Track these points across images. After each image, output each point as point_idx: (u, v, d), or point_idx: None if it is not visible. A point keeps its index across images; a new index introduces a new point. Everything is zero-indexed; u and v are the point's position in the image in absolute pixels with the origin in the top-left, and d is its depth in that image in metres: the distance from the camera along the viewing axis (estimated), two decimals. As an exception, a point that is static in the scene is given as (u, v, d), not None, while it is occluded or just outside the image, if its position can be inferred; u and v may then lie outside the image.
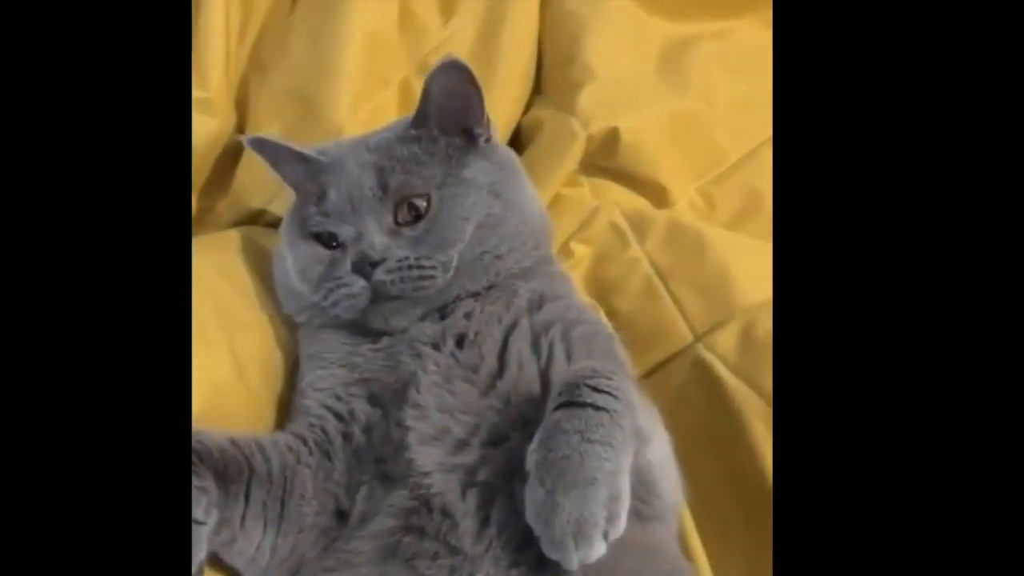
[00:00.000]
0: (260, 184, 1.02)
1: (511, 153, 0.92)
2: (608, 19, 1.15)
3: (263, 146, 0.88)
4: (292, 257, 0.84)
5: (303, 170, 0.85)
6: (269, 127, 1.03)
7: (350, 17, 1.06)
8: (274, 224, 0.99)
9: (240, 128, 1.08)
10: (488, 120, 0.86)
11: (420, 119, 0.83)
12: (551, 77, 1.17)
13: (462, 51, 1.10)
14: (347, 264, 0.79)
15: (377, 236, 0.79)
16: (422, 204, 0.80)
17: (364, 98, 1.05)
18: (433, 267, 0.78)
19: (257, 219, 1.03)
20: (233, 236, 0.97)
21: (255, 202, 1.02)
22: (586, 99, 1.09)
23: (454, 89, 0.82)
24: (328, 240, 0.82)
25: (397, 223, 0.80)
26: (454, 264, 0.79)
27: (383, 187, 0.80)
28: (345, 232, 0.81)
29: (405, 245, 0.79)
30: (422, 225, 0.80)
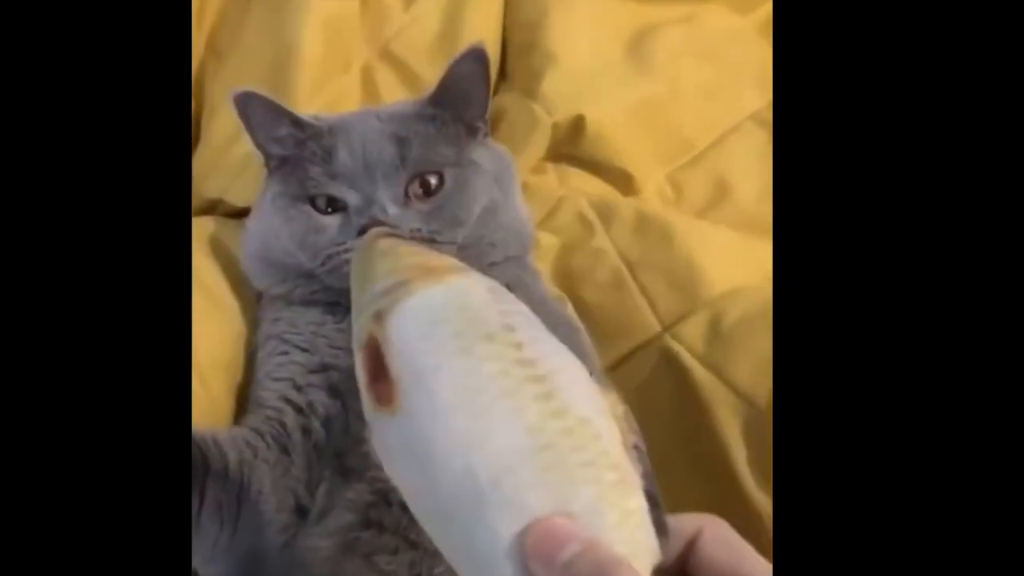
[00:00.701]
0: (215, 171, 0.99)
1: (505, 150, 0.92)
2: (571, 3, 1.14)
3: (251, 102, 0.83)
4: (287, 226, 0.81)
5: (295, 133, 0.83)
6: (225, 115, 1.00)
7: (309, 1, 1.03)
8: (231, 214, 0.97)
9: (196, 117, 1.05)
10: (488, 117, 0.86)
11: (439, 99, 0.83)
12: (515, 63, 1.15)
13: (425, 36, 1.09)
14: (353, 230, 0.77)
15: (391, 204, 0.78)
16: (434, 180, 0.80)
17: (323, 83, 1.03)
18: (443, 244, 0.77)
19: (214, 208, 1.00)
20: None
21: (210, 191, 1.00)
22: (550, 85, 1.08)
23: (473, 79, 0.82)
24: (324, 205, 0.80)
25: (408, 195, 0.79)
26: (457, 246, 0.78)
27: (402, 157, 0.79)
28: (351, 198, 0.79)
29: (417, 217, 0.78)
30: (435, 200, 0.79)
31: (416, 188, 0.79)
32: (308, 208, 0.81)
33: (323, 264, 0.78)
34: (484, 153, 0.85)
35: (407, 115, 0.83)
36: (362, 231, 0.76)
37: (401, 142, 0.80)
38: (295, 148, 0.83)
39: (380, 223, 0.76)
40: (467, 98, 0.83)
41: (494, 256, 0.82)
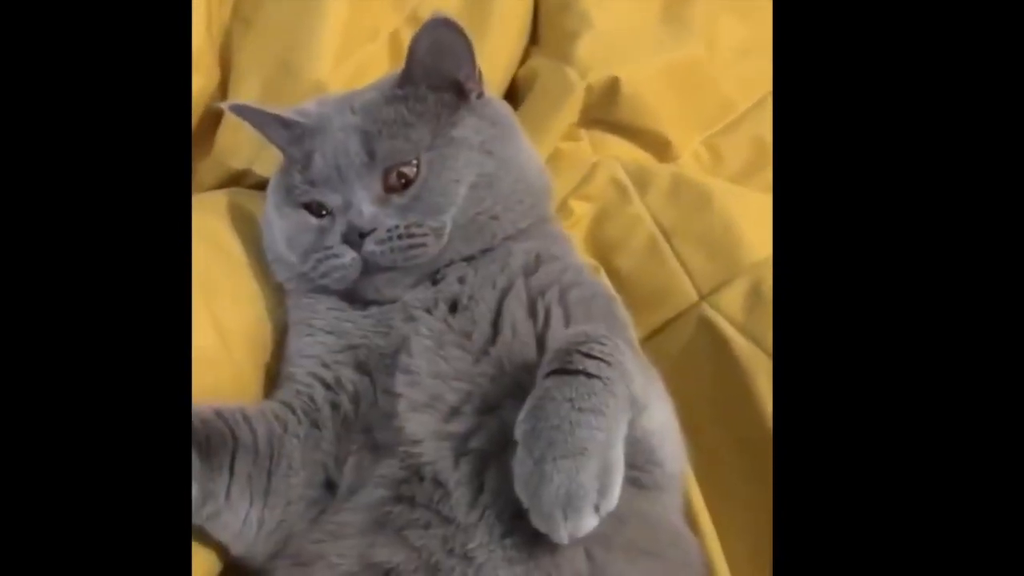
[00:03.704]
0: (242, 144, 0.98)
1: (505, 107, 0.88)
2: (606, -37, 1.10)
3: (245, 113, 0.84)
4: (280, 225, 0.81)
5: (287, 135, 0.82)
6: (250, 84, 0.99)
7: (335, -32, 1.01)
8: (258, 185, 0.96)
9: (223, 85, 1.04)
10: (480, 75, 0.82)
11: (406, 78, 0.80)
12: (547, 25, 1.12)
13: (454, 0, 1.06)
14: (336, 234, 0.76)
15: (366, 205, 0.76)
16: (411, 170, 0.77)
17: (349, 51, 1.01)
18: (425, 235, 0.75)
19: (240, 180, 0.99)
20: (215, 199, 0.93)
21: (237, 163, 0.99)
22: (584, 48, 1.05)
23: (442, 46, 0.78)
24: (317, 209, 0.79)
25: (386, 190, 0.77)
26: (447, 229, 0.76)
27: (370, 153, 0.77)
28: (333, 201, 0.78)
29: (395, 213, 0.76)
30: (412, 191, 0.76)
31: (394, 180, 0.77)
32: (298, 210, 0.80)
33: (313, 268, 0.77)
34: (471, 122, 0.80)
35: (376, 103, 0.80)
36: (344, 235, 0.75)
37: (368, 138, 0.77)
38: (288, 147, 0.82)
39: (358, 227, 0.74)
40: (441, 67, 0.79)
41: (502, 229, 0.79)
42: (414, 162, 0.77)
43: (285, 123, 0.82)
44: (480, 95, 0.82)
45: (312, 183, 0.79)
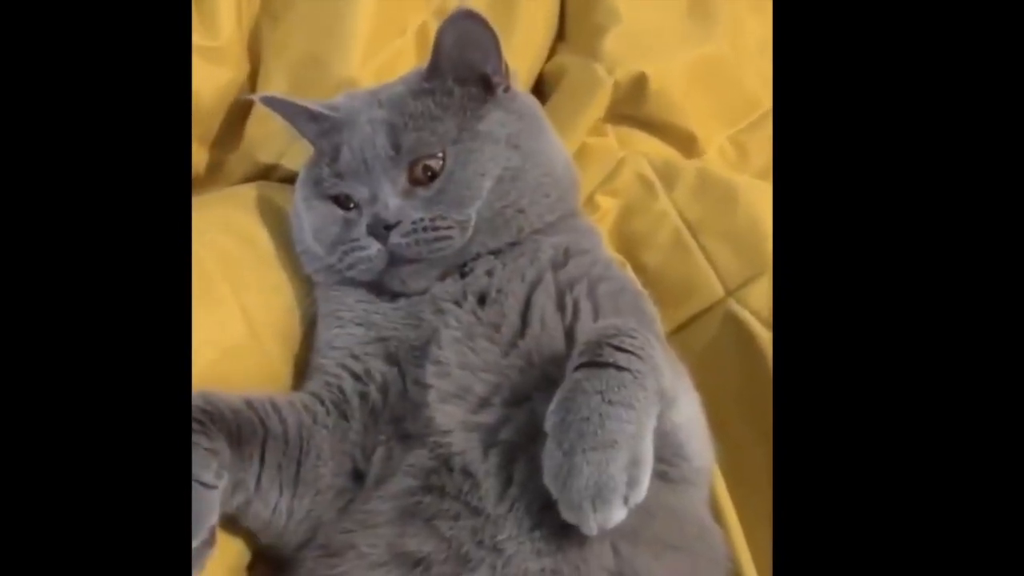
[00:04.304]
0: (271, 137, 0.99)
1: (532, 101, 0.88)
2: (633, -42, 1.10)
3: (275, 104, 0.86)
4: (307, 217, 0.82)
5: (316, 128, 0.83)
6: (279, 78, 0.99)
7: (363, -37, 1.01)
8: (287, 179, 0.96)
9: (252, 78, 1.04)
10: (507, 68, 0.82)
11: (432, 71, 0.80)
12: (575, 21, 1.12)
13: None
14: (362, 227, 0.76)
15: (391, 198, 0.76)
16: (437, 163, 0.77)
17: (378, 46, 1.01)
18: (450, 227, 0.75)
19: (269, 174, 1.00)
20: (244, 192, 0.94)
21: (266, 156, 0.99)
22: (611, 43, 1.05)
23: (468, 38, 0.78)
24: (344, 201, 0.80)
25: (412, 182, 0.77)
26: (472, 222, 0.76)
27: (396, 146, 0.77)
28: (360, 193, 0.78)
29: (420, 206, 0.76)
30: (437, 184, 0.77)
31: (420, 173, 0.77)
32: (325, 202, 0.80)
33: (339, 260, 0.78)
34: (497, 116, 0.80)
35: (403, 96, 0.80)
36: (370, 227, 0.75)
37: (394, 131, 0.78)
38: (317, 140, 0.83)
39: (384, 220, 0.75)
40: (467, 59, 0.79)
41: (528, 223, 0.79)
42: (440, 155, 0.77)
43: (314, 116, 0.83)
44: (507, 89, 0.82)
45: (340, 176, 0.79)
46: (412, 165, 0.77)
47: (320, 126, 0.82)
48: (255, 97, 0.87)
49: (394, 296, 0.78)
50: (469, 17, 0.77)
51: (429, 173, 0.77)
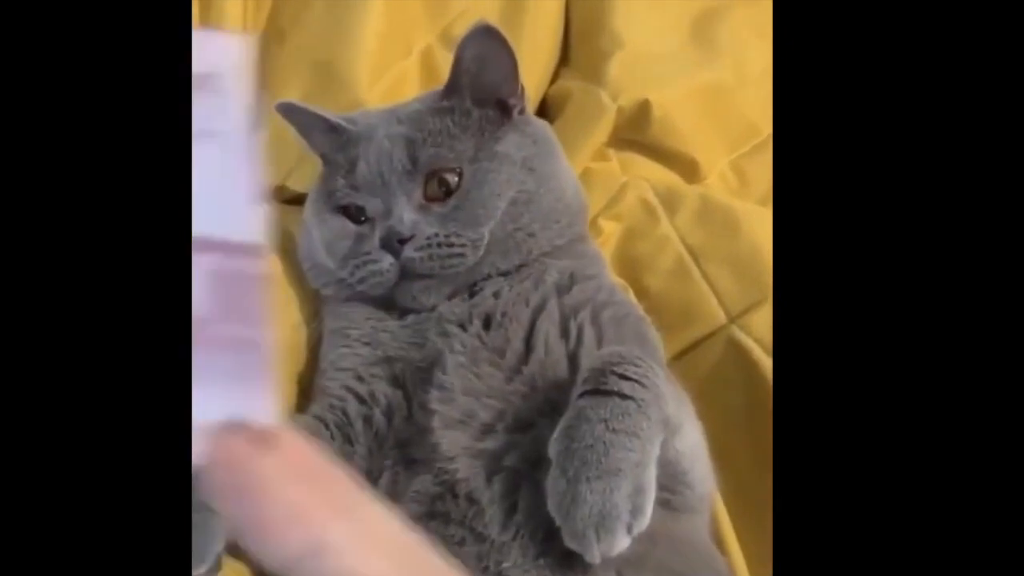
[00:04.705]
0: (277, 158, 0.99)
1: (546, 126, 0.89)
2: (636, -16, 1.11)
3: (292, 112, 0.85)
4: (319, 230, 0.82)
5: (332, 139, 0.83)
6: (286, 97, 0.99)
7: (370, -17, 1.01)
8: (292, 201, 0.96)
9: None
10: (522, 89, 0.82)
11: (451, 89, 0.80)
12: (579, 46, 1.12)
13: (486, 17, 1.06)
14: (375, 240, 0.76)
15: (407, 212, 0.76)
16: (453, 179, 0.77)
17: (385, 67, 1.02)
18: (463, 245, 0.75)
19: (274, 195, 1.00)
20: (250, 212, 0.94)
21: (272, 177, 0.99)
22: (615, 69, 1.05)
23: (487, 56, 0.79)
24: (356, 214, 0.80)
25: (427, 198, 0.77)
26: (485, 242, 0.76)
27: (413, 160, 0.78)
28: (373, 206, 0.79)
29: (435, 222, 0.76)
30: (453, 201, 0.77)
31: (435, 189, 0.77)
32: (337, 215, 0.81)
33: (351, 274, 0.78)
34: (513, 138, 0.80)
35: (421, 112, 0.80)
36: (383, 240, 0.76)
37: (412, 145, 0.78)
38: (333, 153, 0.83)
39: (398, 233, 0.75)
40: (485, 80, 0.80)
41: (538, 246, 0.79)
42: (457, 171, 0.78)
43: (332, 127, 0.82)
44: (522, 111, 0.83)
45: (354, 187, 0.79)
46: (428, 180, 0.78)
47: (337, 138, 0.82)
48: (275, 105, 0.86)
49: (402, 313, 0.78)
50: (489, 34, 0.78)
51: (444, 189, 0.77)
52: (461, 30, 1.05)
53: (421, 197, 0.77)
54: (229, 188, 0.43)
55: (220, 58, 0.44)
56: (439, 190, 0.77)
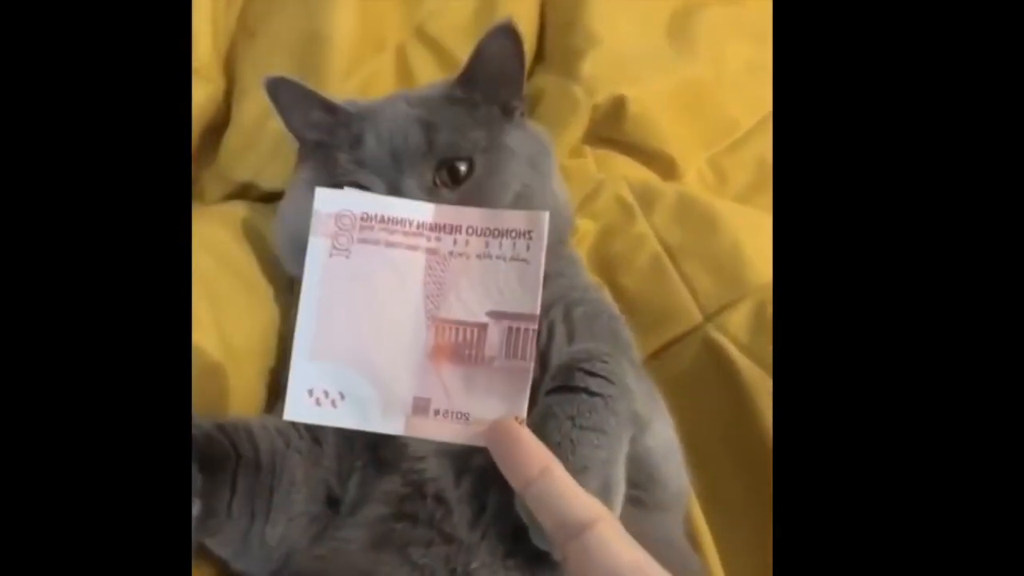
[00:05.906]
0: (247, 154, 0.98)
1: (542, 128, 0.89)
2: (612, -19, 1.10)
3: (282, 87, 0.82)
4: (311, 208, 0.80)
5: (325, 119, 0.82)
6: (255, 94, 0.98)
7: (342, -22, 1.01)
8: (263, 198, 0.96)
9: (227, 96, 1.03)
10: (524, 95, 0.83)
11: (467, 81, 0.80)
12: (553, 43, 1.12)
13: (460, 15, 1.06)
14: None
15: (414, 192, 0.75)
16: (463, 167, 0.77)
17: (358, 64, 1.01)
18: None
19: (245, 192, 0.99)
20: (221, 211, 0.93)
21: (242, 174, 0.98)
22: (590, 66, 1.05)
23: (506, 55, 0.79)
24: None
25: (435, 183, 0.77)
26: None
27: (429, 143, 0.77)
28: (377, 186, 0.77)
29: None
30: (463, 188, 0.77)
31: (444, 175, 0.77)
32: None
33: None
34: (519, 136, 0.81)
35: (436, 98, 0.81)
36: None
37: (428, 127, 0.78)
38: (326, 134, 0.81)
39: None
40: (499, 77, 0.80)
41: None
42: (468, 159, 0.77)
43: (330, 107, 0.81)
44: (523, 113, 0.83)
45: (360, 163, 0.78)
46: (440, 165, 0.77)
47: (334, 118, 0.81)
48: (263, 78, 0.83)
49: None
50: (511, 35, 0.78)
51: (453, 176, 0.77)
52: (434, 27, 1.06)
53: (431, 180, 0.77)
54: (518, 278, 0.63)
55: None
56: (448, 177, 0.77)
